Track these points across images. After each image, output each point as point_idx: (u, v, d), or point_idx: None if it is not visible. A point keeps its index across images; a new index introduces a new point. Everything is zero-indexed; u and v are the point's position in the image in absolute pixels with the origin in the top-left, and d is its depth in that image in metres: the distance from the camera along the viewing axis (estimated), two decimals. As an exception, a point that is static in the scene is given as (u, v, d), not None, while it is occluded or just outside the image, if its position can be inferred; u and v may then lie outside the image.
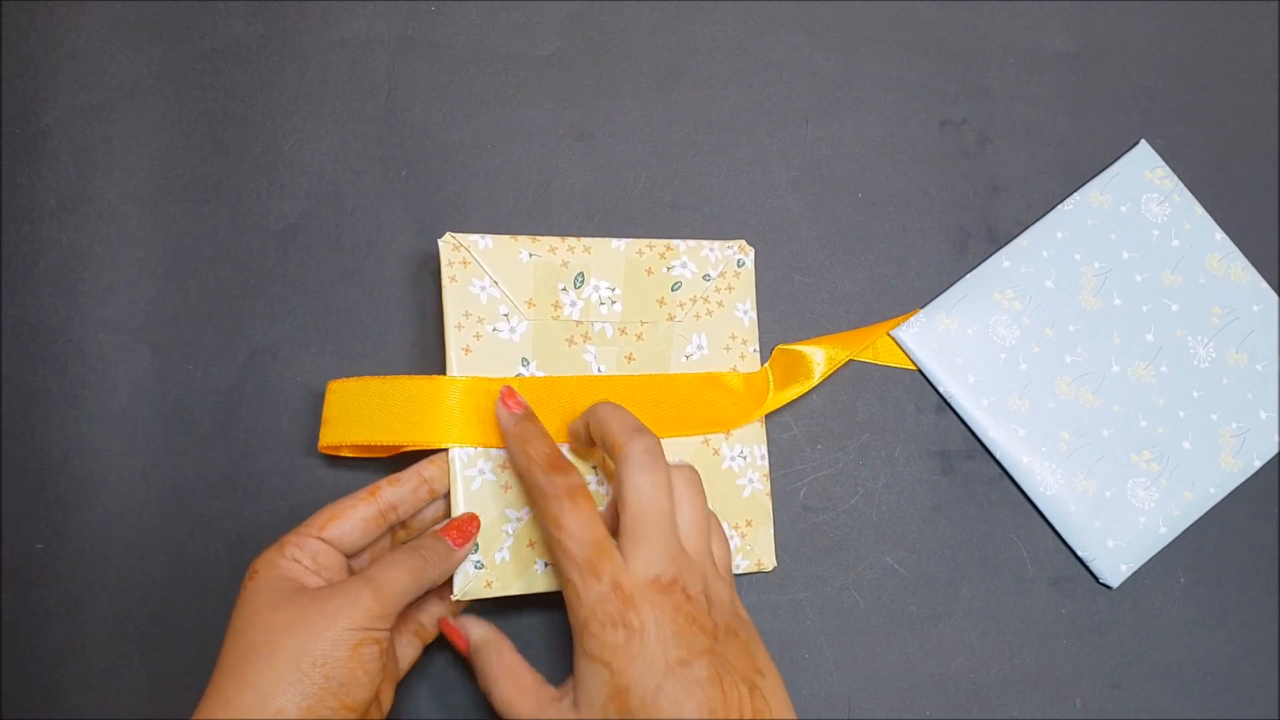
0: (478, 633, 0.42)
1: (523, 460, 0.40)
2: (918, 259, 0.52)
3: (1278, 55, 0.55)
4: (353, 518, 0.40)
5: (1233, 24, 0.55)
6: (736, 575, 0.48)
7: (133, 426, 0.49)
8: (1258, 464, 0.51)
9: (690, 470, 0.40)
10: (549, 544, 0.39)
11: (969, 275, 0.51)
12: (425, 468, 0.44)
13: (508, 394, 0.43)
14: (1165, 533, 0.50)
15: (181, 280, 0.51)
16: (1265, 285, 0.52)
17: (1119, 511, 0.49)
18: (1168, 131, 0.54)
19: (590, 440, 0.43)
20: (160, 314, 0.50)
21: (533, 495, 0.40)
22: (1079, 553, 0.49)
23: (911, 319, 0.51)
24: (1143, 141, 0.52)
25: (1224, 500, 0.51)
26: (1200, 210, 0.52)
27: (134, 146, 0.52)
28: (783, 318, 0.51)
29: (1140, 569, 0.50)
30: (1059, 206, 0.52)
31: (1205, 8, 0.55)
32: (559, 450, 0.41)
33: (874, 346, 0.51)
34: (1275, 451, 0.51)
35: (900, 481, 0.51)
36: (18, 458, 0.49)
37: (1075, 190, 0.52)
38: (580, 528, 0.37)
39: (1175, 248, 0.51)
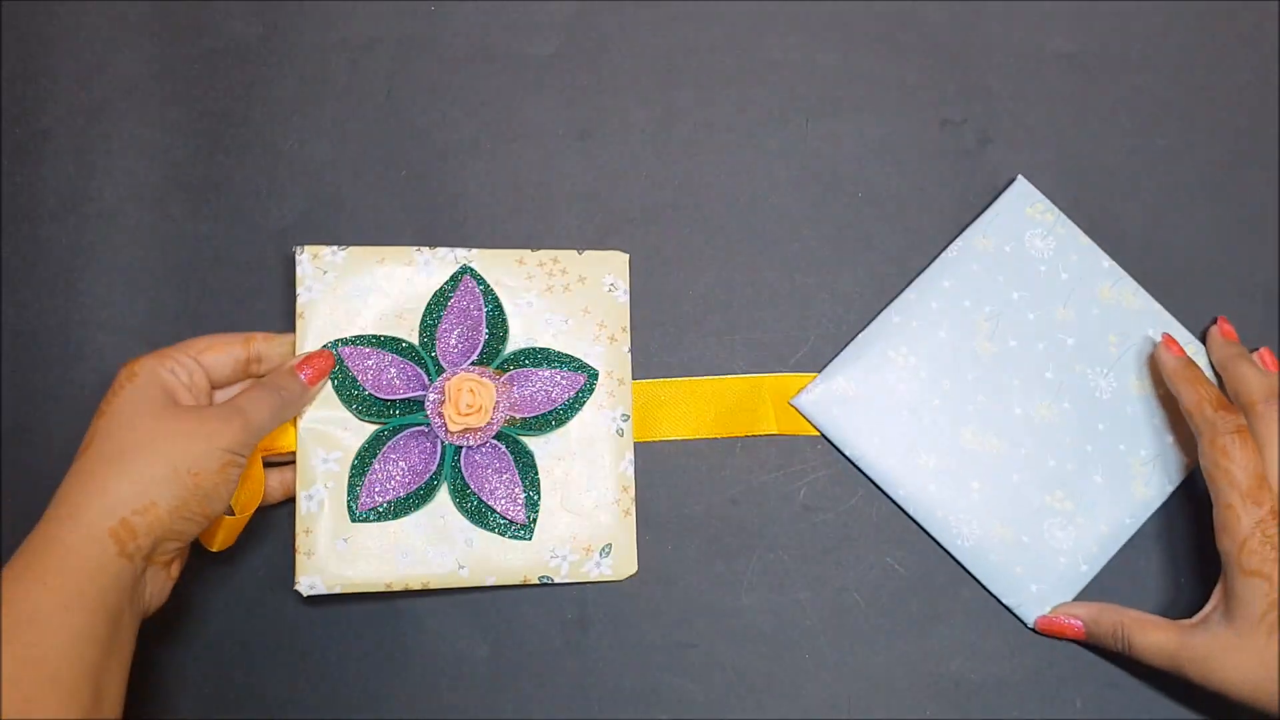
0: (1085, 612, 0.47)
1: (1193, 398, 0.46)
2: (918, 259, 0.52)
3: (1278, 55, 0.55)
4: (227, 353, 0.44)
5: (1233, 24, 0.55)
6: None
7: (133, 426, 0.49)
8: (1170, 488, 0.50)
9: None
10: (1213, 472, 0.44)
11: (861, 334, 0.51)
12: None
13: (1169, 341, 0.48)
14: (1086, 570, 0.49)
15: (181, 280, 0.51)
16: (1158, 307, 0.51)
17: (1038, 554, 0.49)
18: (1167, 131, 0.54)
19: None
20: (160, 314, 0.50)
21: (1202, 429, 0.45)
22: (1004, 600, 0.49)
23: (809, 385, 0.50)
24: (1020, 177, 0.52)
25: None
26: (1086, 240, 0.51)
27: (134, 147, 0.52)
28: (783, 317, 0.51)
29: (1140, 570, 0.50)
30: (942, 254, 0.51)
31: (1205, 8, 0.55)
32: (1222, 392, 0.46)
33: (775, 416, 0.50)
34: (1186, 474, 0.50)
35: (900, 481, 0.51)
36: (18, 458, 0.49)
37: (958, 235, 0.51)
38: (1248, 460, 0.43)
39: (1064, 281, 0.51)
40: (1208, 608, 0.44)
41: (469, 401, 0.45)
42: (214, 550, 0.44)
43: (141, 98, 0.52)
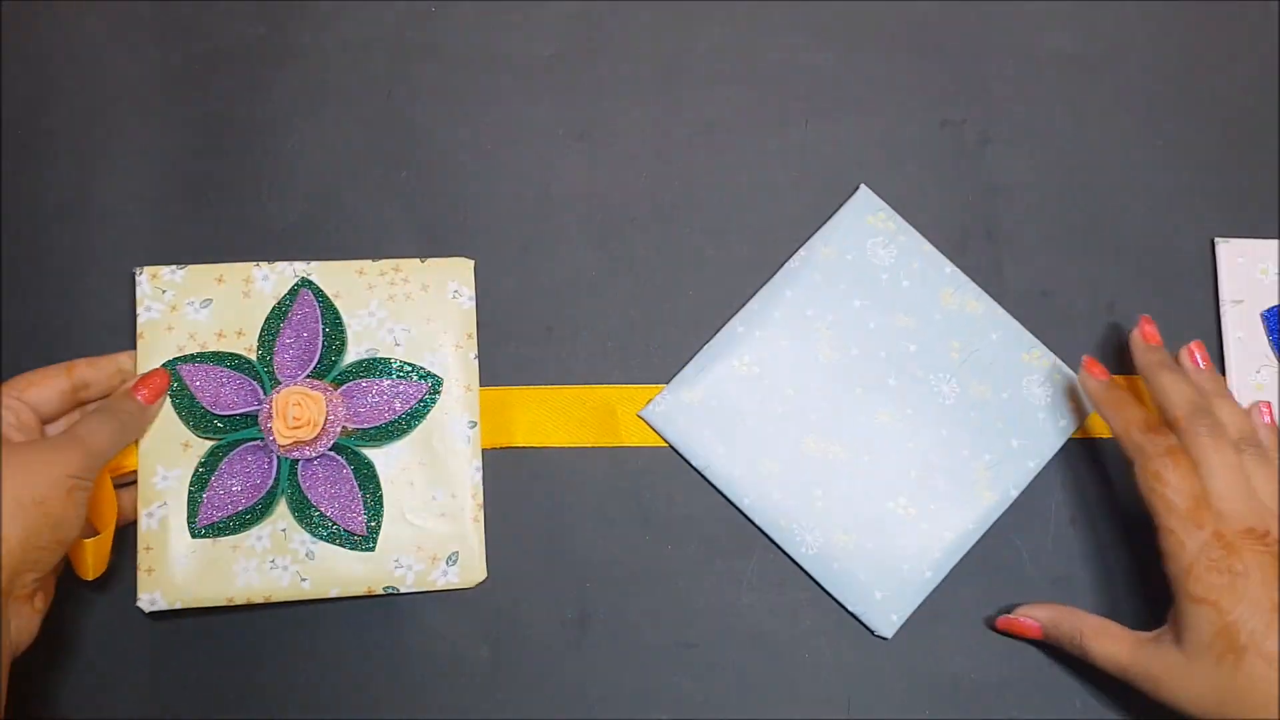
0: (1045, 614, 0.47)
1: (1120, 423, 0.45)
2: (918, 259, 0.52)
3: (1278, 55, 0.55)
4: (50, 386, 0.44)
5: (1233, 24, 0.55)
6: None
7: (133, 426, 0.49)
8: (1014, 493, 0.49)
9: (1257, 448, 0.44)
10: (1149, 498, 0.42)
11: (706, 346, 0.50)
12: (122, 359, 0.47)
13: (1091, 364, 0.47)
14: (931, 576, 0.49)
15: (182, 280, 0.51)
16: (1002, 312, 0.51)
17: (882, 561, 0.48)
18: (1168, 131, 0.54)
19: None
20: (160, 314, 0.50)
21: (1133, 454, 0.44)
22: (849, 608, 0.48)
23: (656, 397, 0.50)
24: (863, 187, 0.52)
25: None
26: (928, 247, 0.51)
27: (134, 147, 0.52)
28: (783, 318, 0.51)
29: (1139, 567, 0.50)
30: (785, 264, 0.51)
31: (1205, 8, 0.55)
32: (1153, 413, 0.45)
33: (626, 427, 0.50)
34: (1030, 478, 0.50)
35: (900, 481, 0.51)
36: (18, 458, 0.49)
37: (801, 245, 0.51)
38: (1182, 482, 0.42)
39: (906, 288, 0.50)
40: (1163, 627, 0.43)
41: (296, 415, 0.45)
42: (89, 579, 0.44)
43: (142, 99, 0.52)
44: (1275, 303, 0.51)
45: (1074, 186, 0.53)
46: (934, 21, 0.54)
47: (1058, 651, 0.49)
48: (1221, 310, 0.51)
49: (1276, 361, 0.51)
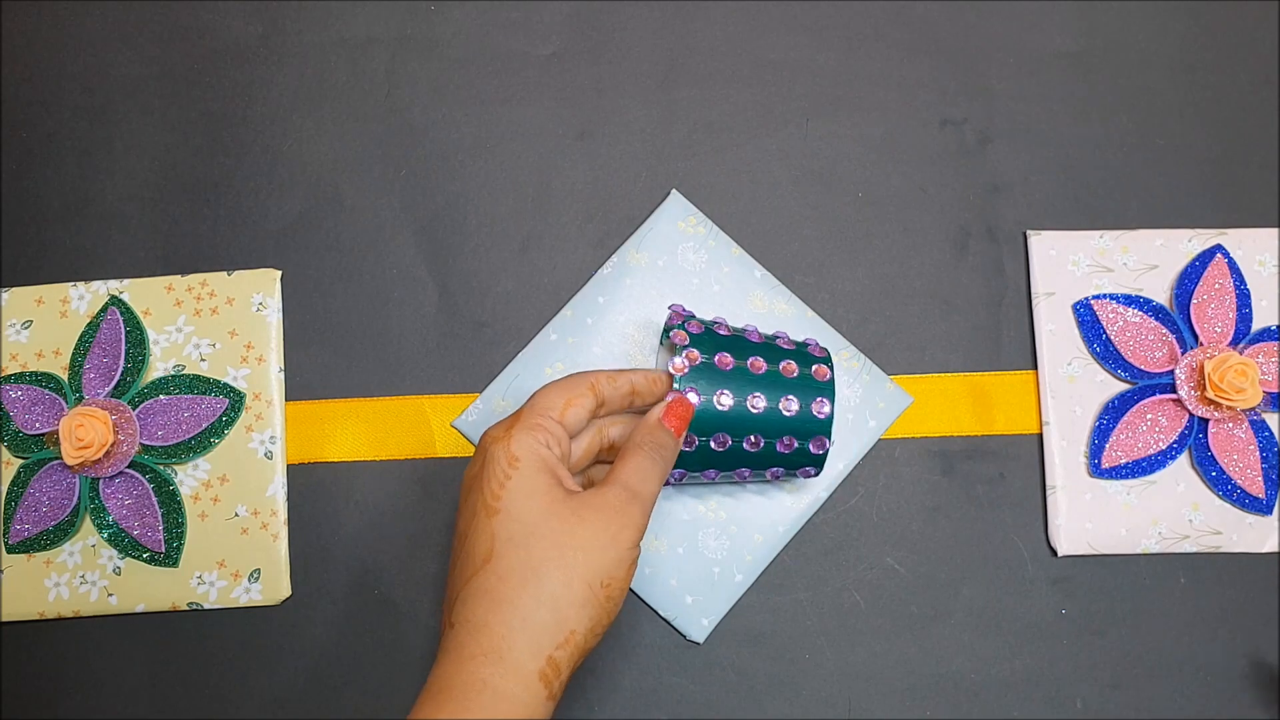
0: None
1: None
2: (918, 259, 0.52)
3: (1278, 55, 0.55)
4: (582, 407, 0.38)
5: (1233, 24, 0.55)
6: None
7: (133, 426, 0.49)
8: (825, 495, 0.49)
9: None
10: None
11: (520, 353, 0.50)
12: (636, 376, 0.41)
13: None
14: (741, 580, 0.49)
15: (181, 280, 0.51)
16: (812, 314, 0.51)
17: (693, 566, 0.48)
18: (1168, 131, 0.54)
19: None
20: (160, 314, 0.50)
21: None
22: (661, 614, 0.48)
23: (470, 407, 0.50)
24: (674, 192, 0.52)
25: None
26: (738, 251, 0.51)
27: (135, 147, 0.52)
28: (783, 318, 0.51)
29: (1137, 570, 0.50)
30: (599, 271, 0.51)
31: (1205, 8, 0.55)
32: None
33: (439, 438, 0.49)
34: (840, 480, 0.50)
35: (900, 481, 0.51)
36: (18, 457, 0.49)
37: (613, 252, 0.51)
38: None
39: (716, 293, 0.50)
40: None
41: (80, 437, 0.45)
42: None
43: (143, 99, 0.52)
44: (1086, 295, 0.51)
45: (1074, 186, 0.53)
46: (934, 21, 0.54)
47: (1058, 650, 0.49)
48: (1034, 303, 0.51)
49: (1087, 353, 0.50)
